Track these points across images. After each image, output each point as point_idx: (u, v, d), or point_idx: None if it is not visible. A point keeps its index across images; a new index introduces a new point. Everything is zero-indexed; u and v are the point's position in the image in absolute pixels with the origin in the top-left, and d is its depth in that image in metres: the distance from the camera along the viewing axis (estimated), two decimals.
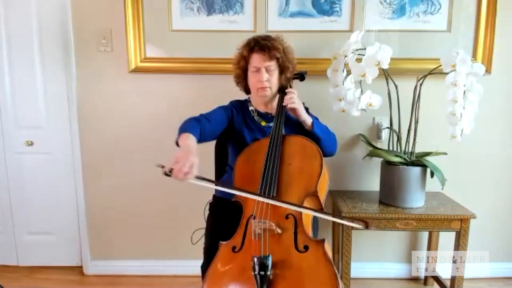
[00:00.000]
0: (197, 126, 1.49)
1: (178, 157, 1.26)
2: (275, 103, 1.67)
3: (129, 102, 2.18)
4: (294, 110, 1.58)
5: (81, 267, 2.37)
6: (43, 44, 2.17)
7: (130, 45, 2.08)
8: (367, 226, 1.30)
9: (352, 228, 1.75)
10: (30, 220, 2.36)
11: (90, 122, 2.20)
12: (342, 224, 1.80)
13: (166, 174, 1.25)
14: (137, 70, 2.12)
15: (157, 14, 2.07)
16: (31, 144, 2.27)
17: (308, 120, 1.59)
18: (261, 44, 1.58)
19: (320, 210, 1.42)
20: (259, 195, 1.36)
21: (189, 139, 1.39)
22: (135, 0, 2.04)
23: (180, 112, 2.13)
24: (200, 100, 2.13)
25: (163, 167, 1.25)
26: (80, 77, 2.16)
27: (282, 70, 1.63)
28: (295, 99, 1.57)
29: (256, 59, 1.59)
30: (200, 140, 1.49)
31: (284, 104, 1.58)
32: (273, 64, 1.59)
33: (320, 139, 1.57)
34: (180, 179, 1.24)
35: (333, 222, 2.19)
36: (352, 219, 1.38)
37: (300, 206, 1.35)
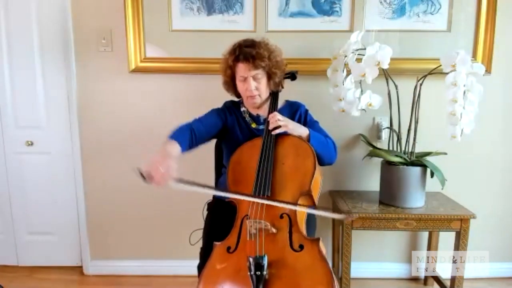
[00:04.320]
0: (187, 133, 1.49)
1: (152, 160, 1.25)
2: (266, 105, 1.66)
3: (129, 102, 2.18)
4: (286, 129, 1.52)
5: (81, 267, 2.37)
6: (43, 44, 2.17)
7: (130, 45, 2.08)
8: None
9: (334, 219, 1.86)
10: (30, 220, 2.36)
11: (90, 122, 2.20)
12: (334, 221, 1.80)
13: (144, 179, 1.20)
14: (137, 70, 2.12)
15: (157, 14, 2.07)
16: (31, 144, 2.27)
17: (304, 134, 1.54)
18: (246, 53, 1.54)
19: (305, 205, 1.40)
20: (253, 196, 1.36)
21: (170, 145, 1.38)
22: (135, 0, 2.04)
23: (180, 112, 2.14)
24: (200, 100, 2.12)
25: (141, 174, 1.21)
26: (80, 77, 2.16)
27: (269, 76, 1.61)
28: (280, 121, 1.49)
29: (241, 69, 1.56)
30: (192, 144, 1.51)
31: (270, 129, 1.50)
32: (259, 72, 1.57)
33: (317, 152, 1.49)
34: (158, 182, 1.21)
35: (333, 222, 2.19)
36: (329, 210, 1.50)
37: (295, 204, 1.35)
